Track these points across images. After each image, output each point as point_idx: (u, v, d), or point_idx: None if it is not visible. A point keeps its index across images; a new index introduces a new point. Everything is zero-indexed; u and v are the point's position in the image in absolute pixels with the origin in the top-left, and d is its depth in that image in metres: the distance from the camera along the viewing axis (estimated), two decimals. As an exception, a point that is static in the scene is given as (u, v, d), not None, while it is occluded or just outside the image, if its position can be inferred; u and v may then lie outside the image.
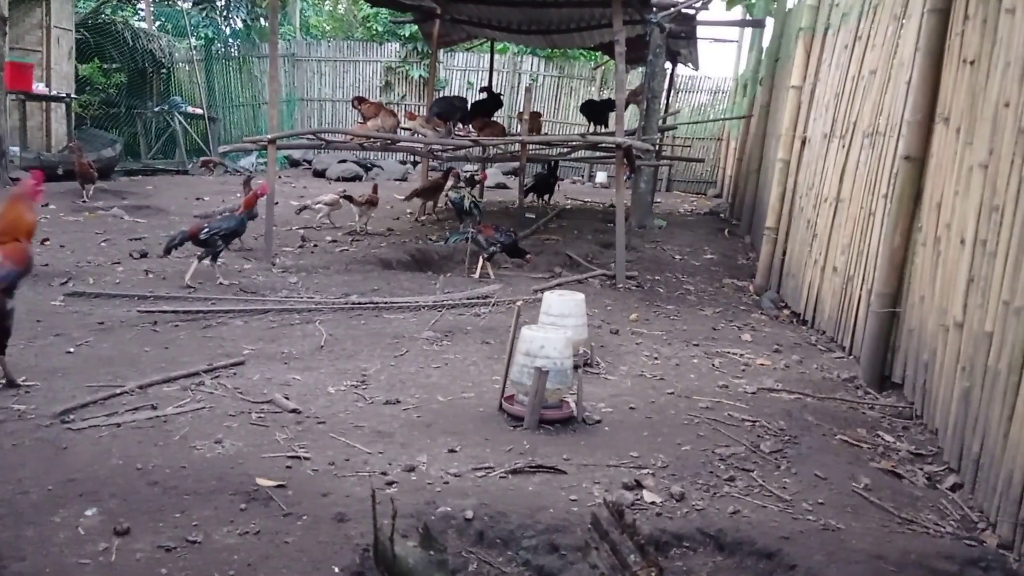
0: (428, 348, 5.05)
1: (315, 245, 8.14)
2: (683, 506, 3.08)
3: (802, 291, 6.51)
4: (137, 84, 16.84)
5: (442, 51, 15.97)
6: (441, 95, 14.13)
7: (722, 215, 13.23)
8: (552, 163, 12.00)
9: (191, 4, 19.02)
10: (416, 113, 10.42)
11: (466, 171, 11.08)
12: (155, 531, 2.68)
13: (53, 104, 13.48)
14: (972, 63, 3.98)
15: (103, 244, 7.54)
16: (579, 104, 13.08)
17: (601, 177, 17.46)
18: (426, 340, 5.20)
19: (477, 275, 7.10)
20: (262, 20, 19.34)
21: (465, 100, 10.78)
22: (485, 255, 7.09)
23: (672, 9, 9.91)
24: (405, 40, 18.65)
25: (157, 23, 18.57)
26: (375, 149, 11.38)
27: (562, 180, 13.98)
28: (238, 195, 8.59)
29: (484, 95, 11.36)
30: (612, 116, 11.09)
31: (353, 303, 5.94)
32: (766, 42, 11.97)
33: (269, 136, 7.58)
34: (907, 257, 4.62)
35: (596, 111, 11.67)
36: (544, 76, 18.83)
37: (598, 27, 10.48)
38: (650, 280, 7.64)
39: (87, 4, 17.36)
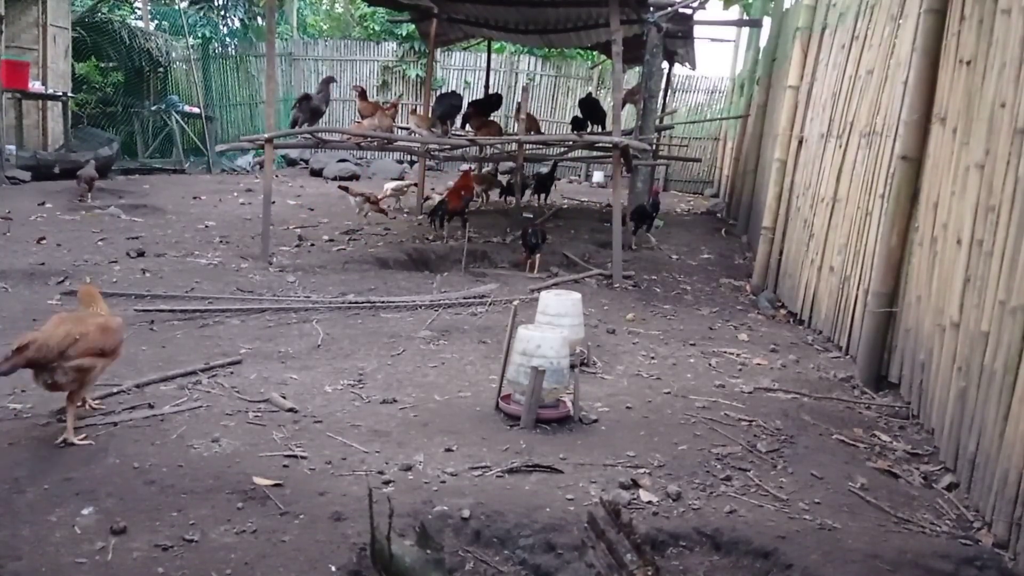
0: (425, 347, 5.05)
1: (312, 244, 8.13)
2: (679, 505, 3.08)
3: (799, 291, 6.52)
4: (134, 83, 16.83)
5: (439, 50, 15.96)
6: (438, 94, 14.14)
7: (719, 215, 13.24)
8: (552, 163, 12.02)
9: (188, 3, 19.00)
10: (416, 110, 10.49)
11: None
12: (152, 530, 2.68)
13: (50, 103, 13.46)
14: (968, 63, 3.99)
15: (100, 243, 7.53)
16: (577, 102, 13.09)
17: (598, 177, 17.46)
18: (423, 339, 5.20)
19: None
20: (259, 19, 19.36)
21: (461, 97, 10.87)
22: None
23: (669, 9, 9.90)
24: (402, 39, 18.64)
25: (154, 22, 18.55)
26: (372, 148, 11.37)
27: (559, 180, 14.00)
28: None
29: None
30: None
31: (350, 302, 5.94)
32: (763, 42, 12.00)
33: (266, 135, 7.57)
34: (904, 257, 4.63)
35: (593, 110, 11.64)
36: (541, 76, 18.83)
37: (595, 26, 10.48)
38: (647, 280, 7.64)
39: (84, 2, 17.33)
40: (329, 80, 8.91)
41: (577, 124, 11.52)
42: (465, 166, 13.25)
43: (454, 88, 18.43)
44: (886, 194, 4.85)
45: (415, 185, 11.18)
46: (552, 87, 18.90)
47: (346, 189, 10.07)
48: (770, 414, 4.10)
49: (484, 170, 11.97)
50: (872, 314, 4.77)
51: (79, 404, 3.44)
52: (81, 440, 3.29)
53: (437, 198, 10.25)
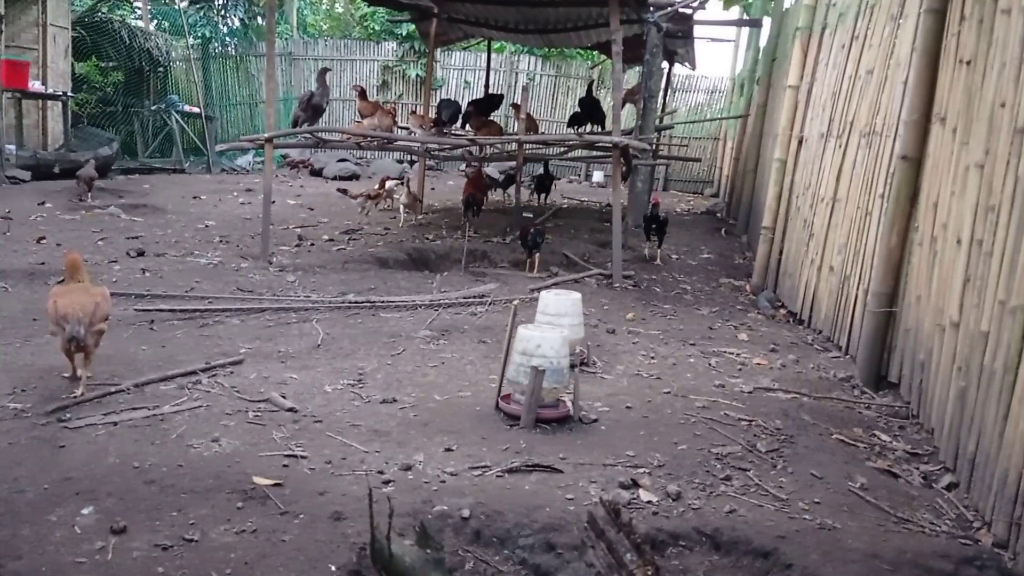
0: (425, 347, 5.05)
1: (312, 244, 8.13)
2: (679, 505, 3.08)
3: (799, 291, 6.52)
4: (134, 83, 16.82)
5: (439, 50, 15.96)
6: (439, 95, 14.18)
7: (719, 214, 13.24)
8: (543, 164, 12.00)
9: (188, 3, 18.99)
10: (416, 110, 10.49)
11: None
12: (152, 530, 2.68)
13: (50, 102, 13.45)
14: (968, 63, 3.99)
15: (100, 243, 7.53)
16: (577, 100, 13.12)
17: (598, 176, 17.46)
18: (423, 339, 5.20)
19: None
20: (259, 19, 19.34)
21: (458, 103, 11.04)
22: None
23: (669, 8, 9.91)
24: (402, 39, 18.65)
25: (154, 21, 18.53)
26: (371, 148, 11.38)
27: (559, 179, 13.99)
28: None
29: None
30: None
31: (350, 302, 5.94)
32: (763, 42, 12.00)
33: (266, 135, 7.57)
34: (903, 257, 4.63)
35: (592, 110, 11.64)
36: (541, 75, 18.83)
37: (595, 26, 10.48)
38: (647, 279, 7.64)
39: (84, 2, 17.32)
40: (324, 71, 8.96)
41: (574, 120, 11.53)
42: (463, 165, 13.27)
43: (454, 87, 18.50)
44: (886, 194, 4.85)
45: (400, 182, 11.15)
46: (552, 87, 18.90)
47: (344, 192, 10.05)
48: (770, 414, 4.10)
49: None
50: (872, 314, 4.77)
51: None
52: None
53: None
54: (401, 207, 9.52)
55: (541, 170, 11.80)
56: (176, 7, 18.49)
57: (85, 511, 2.76)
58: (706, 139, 17.95)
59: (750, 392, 4.50)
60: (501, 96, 12.57)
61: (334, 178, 14.80)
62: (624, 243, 7.80)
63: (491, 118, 10.90)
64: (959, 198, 3.88)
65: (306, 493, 2.98)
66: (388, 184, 10.31)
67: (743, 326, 6.21)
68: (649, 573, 2.24)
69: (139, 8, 19.16)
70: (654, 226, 8.45)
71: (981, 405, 3.28)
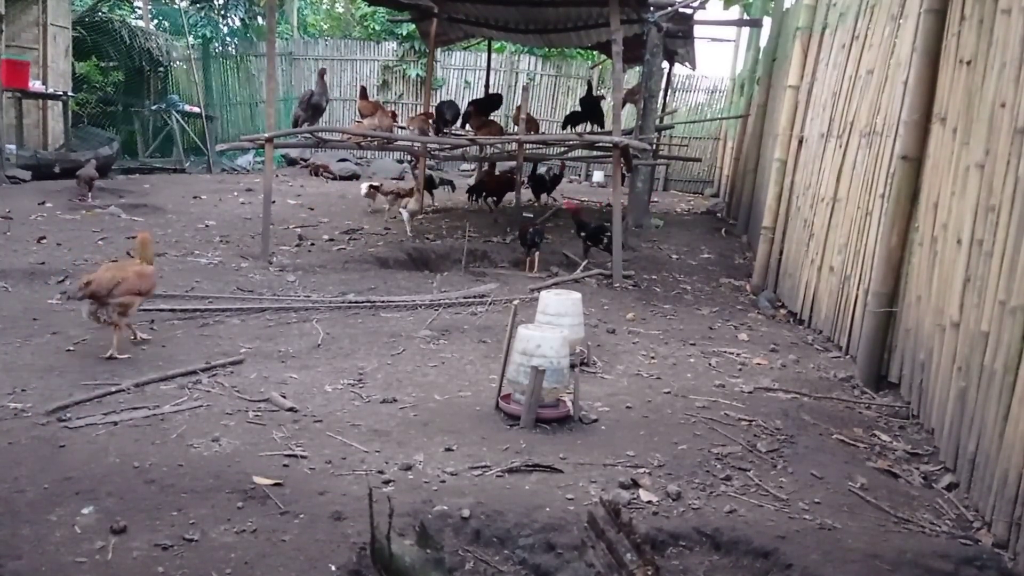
0: (425, 347, 5.05)
1: (312, 244, 8.14)
2: (679, 505, 3.08)
3: (799, 291, 6.52)
4: (134, 82, 16.84)
5: (439, 50, 15.96)
6: (439, 95, 14.18)
7: (719, 214, 13.23)
8: (533, 166, 11.99)
9: (189, 2, 19.00)
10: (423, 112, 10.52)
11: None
12: (152, 529, 2.68)
13: (50, 102, 13.45)
14: (968, 63, 3.99)
15: (100, 243, 7.53)
16: (578, 100, 13.12)
17: (598, 176, 17.44)
18: (423, 339, 5.20)
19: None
20: (260, 19, 19.35)
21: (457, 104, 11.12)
22: None
23: (669, 8, 9.90)
24: (402, 39, 18.65)
25: (155, 21, 18.55)
26: (372, 148, 11.37)
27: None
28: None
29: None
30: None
31: (350, 302, 5.94)
32: (763, 42, 11.99)
33: (266, 135, 7.57)
34: (904, 257, 4.63)
35: (592, 109, 11.64)
36: (541, 75, 18.82)
37: (595, 26, 10.48)
38: (647, 279, 7.64)
39: (84, 2, 17.33)
40: (322, 72, 9.15)
41: (571, 119, 11.50)
42: (466, 165, 13.31)
43: (454, 87, 18.51)
44: (886, 194, 4.85)
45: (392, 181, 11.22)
46: (552, 87, 18.89)
47: (377, 188, 10.00)
48: (770, 414, 4.10)
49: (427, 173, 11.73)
50: (872, 314, 4.77)
51: (128, 336, 4.67)
52: (136, 340, 4.67)
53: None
54: (406, 213, 9.42)
55: (540, 170, 11.82)
56: (176, 7, 18.49)
57: (85, 511, 2.76)
58: (706, 139, 17.93)
59: (750, 392, 4.50)
60: (500, 96, 12.57)
61: (334, 178, 14.81)
62: (624, 243, 7.80)
63: (491, 118, 10.90)
64: (959, 198, 3.88)
65: (306, 493, 2.98)
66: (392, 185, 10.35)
67: (743, 326, 6.21)
68: (649, 573, 2.24)
69: (139, 8, 19.18)
70: (582, 234, 7.57)
71: (981, 405, 3.28)
